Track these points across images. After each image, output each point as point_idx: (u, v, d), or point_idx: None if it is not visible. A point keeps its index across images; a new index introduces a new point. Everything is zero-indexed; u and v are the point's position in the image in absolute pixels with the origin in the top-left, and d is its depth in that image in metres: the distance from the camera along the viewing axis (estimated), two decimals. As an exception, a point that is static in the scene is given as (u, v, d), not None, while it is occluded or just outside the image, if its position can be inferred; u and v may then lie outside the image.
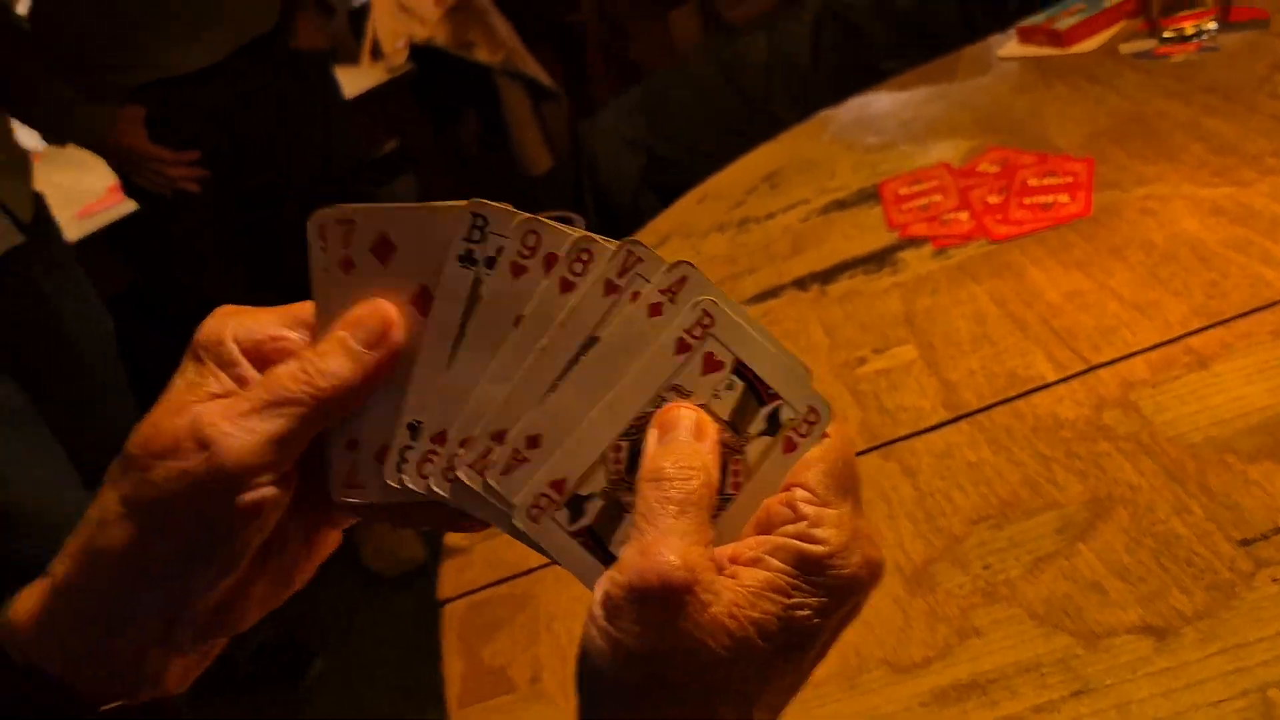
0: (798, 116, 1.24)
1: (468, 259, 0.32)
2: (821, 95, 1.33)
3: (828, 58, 1.35)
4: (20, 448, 1.08)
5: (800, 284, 0.83)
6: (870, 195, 0.91)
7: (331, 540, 0.35)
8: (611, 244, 0.32)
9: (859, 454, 0.50)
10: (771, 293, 0.83)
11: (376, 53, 2.54)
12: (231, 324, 0.32)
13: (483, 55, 2.38)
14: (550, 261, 0.32)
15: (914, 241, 0.82)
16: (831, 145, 1.05)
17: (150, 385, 0.35)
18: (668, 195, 1.27)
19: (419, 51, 2.36)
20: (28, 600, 0.32)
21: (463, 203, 0.32)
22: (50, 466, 1.10)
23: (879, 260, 0.82)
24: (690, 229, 1.00)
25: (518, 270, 0.32)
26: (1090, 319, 0.65)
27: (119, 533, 0.30)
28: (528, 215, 0.32)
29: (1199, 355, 0.59)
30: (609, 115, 1.37)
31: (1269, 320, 0.59)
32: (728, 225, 0.97)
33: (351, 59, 2.56)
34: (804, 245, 0.88)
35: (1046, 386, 0.61)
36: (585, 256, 0.32)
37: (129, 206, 1.62)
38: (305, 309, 0.33)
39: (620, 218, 1.25)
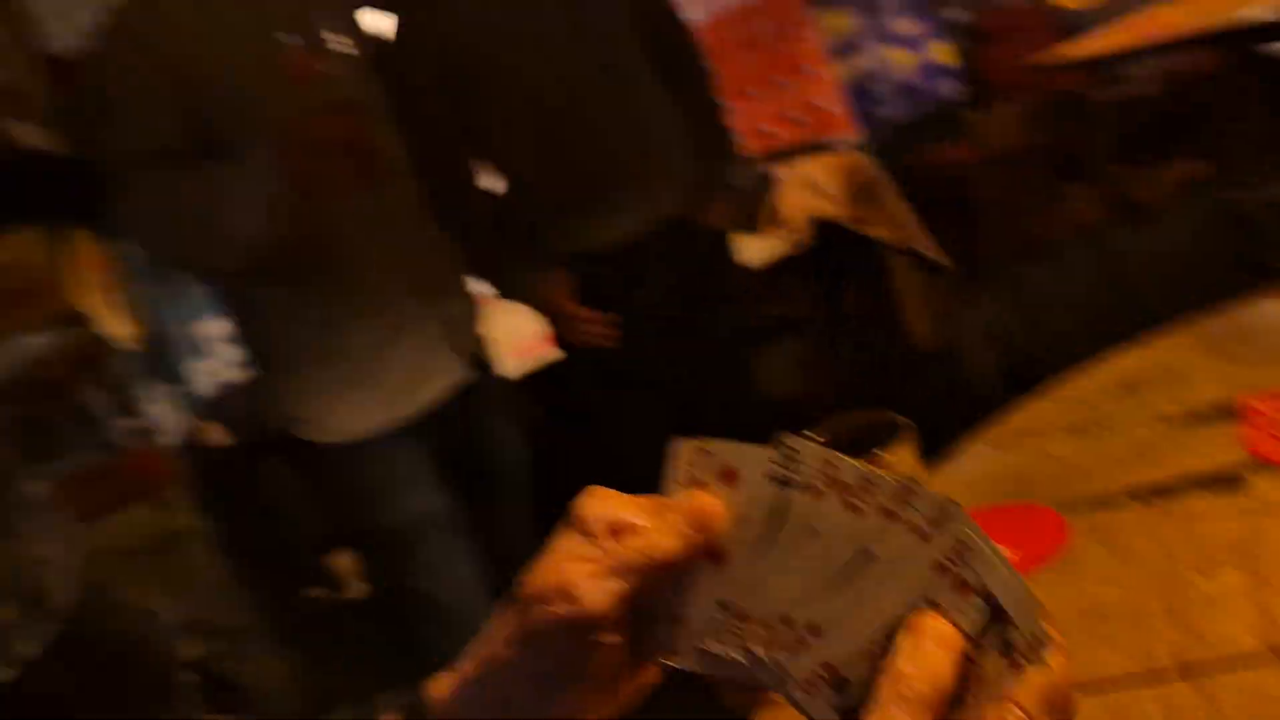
0: (1172, 315, 1.23)
1: (780, 480, 0.42)
2: (1202, 295, 1.30)
3: (1214, 252, 1.32)
4: (453, 552, 1.34)
5: (1139, 496, 0.84)
6: (1229, 411, 0.91)
7: (648, 676, 0.46)
8: (891, 478, 0.41)
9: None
10: (1106, 501, 0.85)
11: (778, 223, 2.78)
12: (598, 505, 0.44)
13: (881, 233, 2.51)
14: (843, 489, 0.41)
15: (1270, 466, 0.81)
16: (1197, 353, 1.04)
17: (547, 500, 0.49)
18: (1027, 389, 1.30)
19: (818, 224, 2.55)
20: (442, 684, 0.46)
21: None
22: (470, 571, 1.35)
23: (1229, 482, 0.81)
24: (1037, 429, 1.03)
25: (816, 493, 0.42)
26: None
27: (508, 651, 0.43)
28: (825, 449, 0.42)
29: None
30: (975, 305, 1.41)
31: None
32: (1077, 428, 1.00)
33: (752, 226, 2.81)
34: (1153, 457, 0.89)
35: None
36: (869, 486, 0.41)
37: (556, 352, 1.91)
38: (655, 500, 0.45)
39: (976, 406, 1.29)
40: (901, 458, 0.75)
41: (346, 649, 2.60)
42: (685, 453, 0.45)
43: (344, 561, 2.53)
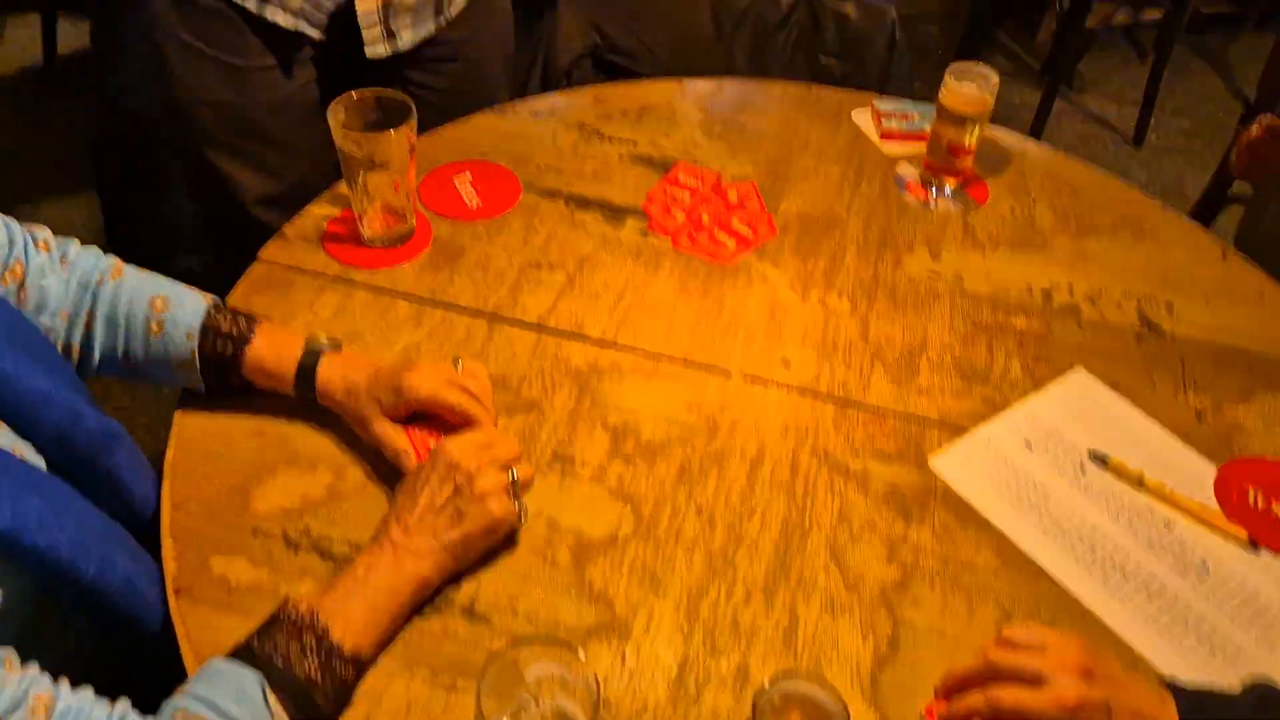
0: (745, 67, 1.61)
1: None
2: (773, 59, 1.69)
3: (790, 33, 1.68)
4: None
5: (578, 202, 1.27)
6: (662, 166, 1.33)
7: None
8: None
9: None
10: (554, 194, 1.28)
11: None
12: (458, 449, 0.87)
13: None
14: None
15: (645, 215, 1.26)
16: (691, 109, 1.44)
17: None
18: (606, 74, 1.65)
19: None
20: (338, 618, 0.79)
21: None
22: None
23: (619, 215, 1.26)
24: (550, 123, 1.41)
25: None
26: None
27: (423, 574, 0.84)
28: None
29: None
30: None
31: (720, 377, 1.06)
32: (585, 129, 1.39)
33: None
34: (604, 174, 1.31)
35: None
36: None
37: None
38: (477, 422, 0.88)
39: (554, 78, 1.61)
40: (408, 133, 1.10)
41: None
42: None
43: None
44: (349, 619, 0.78)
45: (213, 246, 1.46)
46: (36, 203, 2.38)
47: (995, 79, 1.26)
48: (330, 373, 0.95)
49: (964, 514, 0.98)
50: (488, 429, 0.92)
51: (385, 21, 1.34)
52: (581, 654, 0.74)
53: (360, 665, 0.79)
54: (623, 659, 0.84)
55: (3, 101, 2.73)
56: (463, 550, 0.85)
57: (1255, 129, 1.52)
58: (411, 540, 0.83)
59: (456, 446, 0.87)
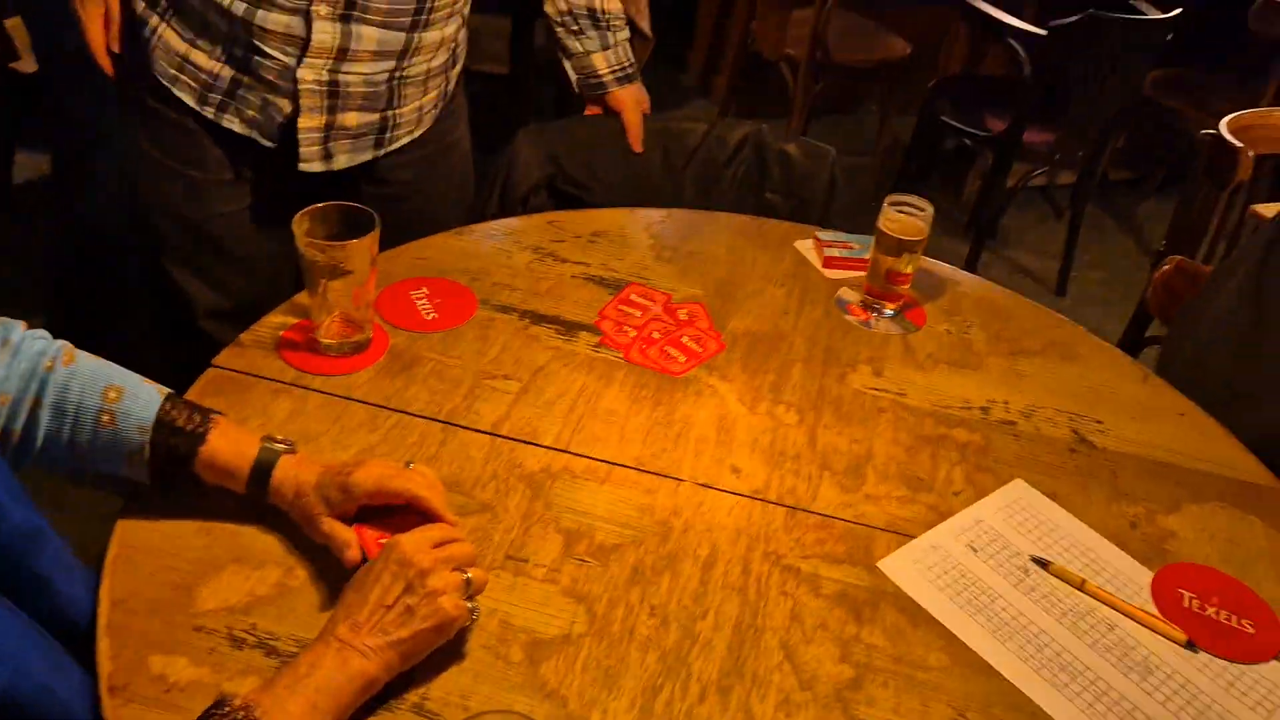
0: (693, 201, 1.70)
1: None
2: (720, 195, 1.78)
3: (736, 171, 1.78)
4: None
5: (533, 317, 1.31)
6: (614, 286, 1.38)
7: None
8: None
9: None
10: (509, 309, 1.31)
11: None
12: (413, 548, 0.86)
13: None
14: None
15: (598, 331, 1.30)
16: (641, 235, 1.51)
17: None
18: (561, 203, 1.72)
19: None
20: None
21: None
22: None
23: (572, 329, 1.30)
24: (505, 244, 1.46)
25: None
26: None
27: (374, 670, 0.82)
28: None
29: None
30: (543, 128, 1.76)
31: (672, 482, 1.08)
32: (540, 251, 1.44)
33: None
34: (558, 292, 1.36)
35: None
36: None
37: None
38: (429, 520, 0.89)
39: (511, 205, 1.68)
40: (371, 243, 1.13)
41: None
42: None
43: None
44: (287, 717, 0.75)
45: (163, 360, 1.46)
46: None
47: (930, 210, 1.35)
48: (284, 473, 0.94)
49: (914, 614, 0.99)
50: (442, 528, 0.91)
51: (325, 142, 1.40)
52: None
53: None
54: (576, 758, 0.82)
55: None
56: (411, 649, 0.83)
57: (1167, 267, 1.63)
58: (359, 638, 0.81)
59: (410, 543, 0.86)
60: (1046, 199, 3.78)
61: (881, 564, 1.03)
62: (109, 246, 1.62)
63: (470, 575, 0.87)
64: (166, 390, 0.96)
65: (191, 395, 1.11)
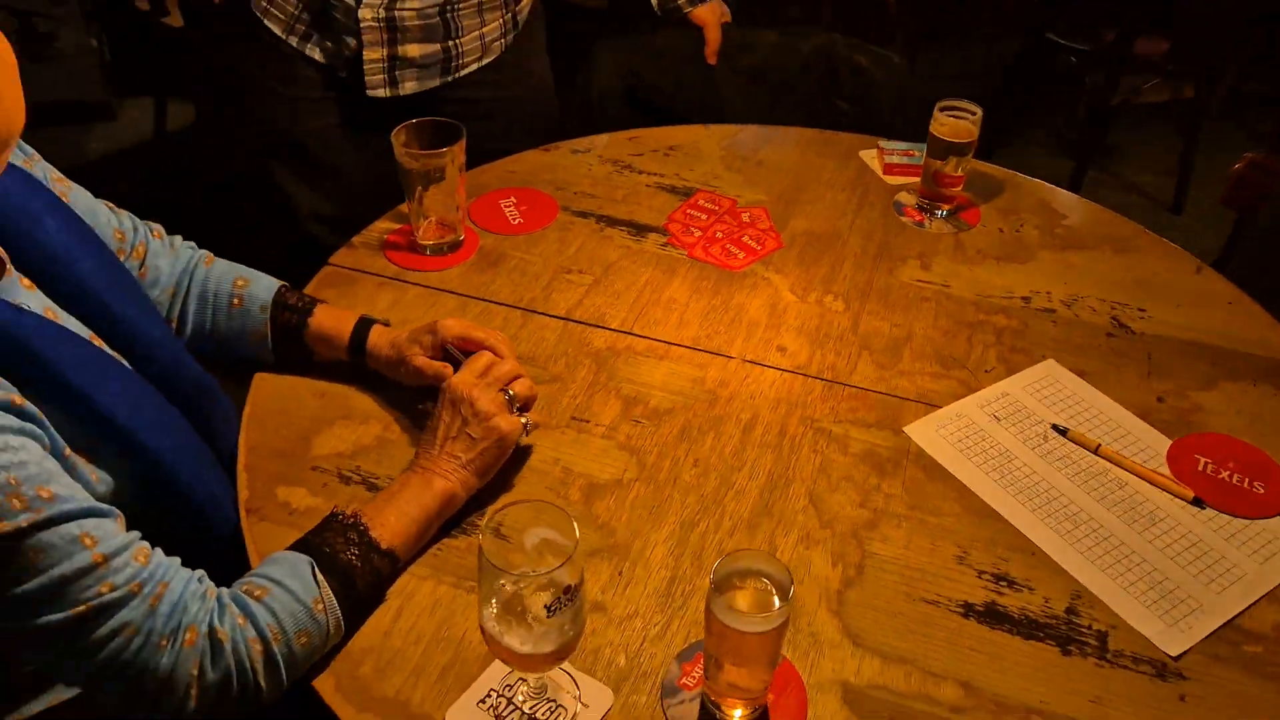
0: (766, 111, 1.79)
1: None
2: (794, 104, 1.87)
3: (809, 79, 1.87)
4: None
5: (608, 221, 1.45)
6: (684, 193, 1.50)
7: None
8: None
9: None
10: (587, 214, 1.45)
11: None
12: (465, 382, 1.02)
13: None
14: None
15: (666, 232, 1.42)
16: (715, 147, 1.62)
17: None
18: (640, 112, 1.84)
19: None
20: (384, 526, 0.94)
21: None
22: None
23: (643, 231, 1.43)
24: (587, 158, 1.60)
25: None
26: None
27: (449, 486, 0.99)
28: None
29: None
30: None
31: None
32: (618, 164, 1.57)
33: None
34: (632, 199, 1.49)
35: (622, 330, 1.24)
36: None
37: None
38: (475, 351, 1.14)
39: (590, 113, 1.81)
40: (458, 152, 1.29)
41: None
42: None
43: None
44: (385, 522, 0.93)
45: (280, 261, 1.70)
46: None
47: (979, 113, 1.42)
48: (379, 337, 1.12)
49: (933, 472, 1.10)
50: (486, 356, 1.06)
51: (389, 71, 1.58)
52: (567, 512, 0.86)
53: (394, 561, 0.93)
54: (620, 574, 0.97)
55: (123, 171, 3.06)
56: (481, 465, 1.00)
57: (1241, 164, 1.64)
58: (436, 464, 0.98)
59: (459, 380, 1.03)
60: (1168, 116, 3.67)
61: (908, 428, 1.14)
62: (229, 162, 1.92)
63: (513, 391, 1.04)
64: (282, 282, 1.16)
65: (309, 288, 1.30)
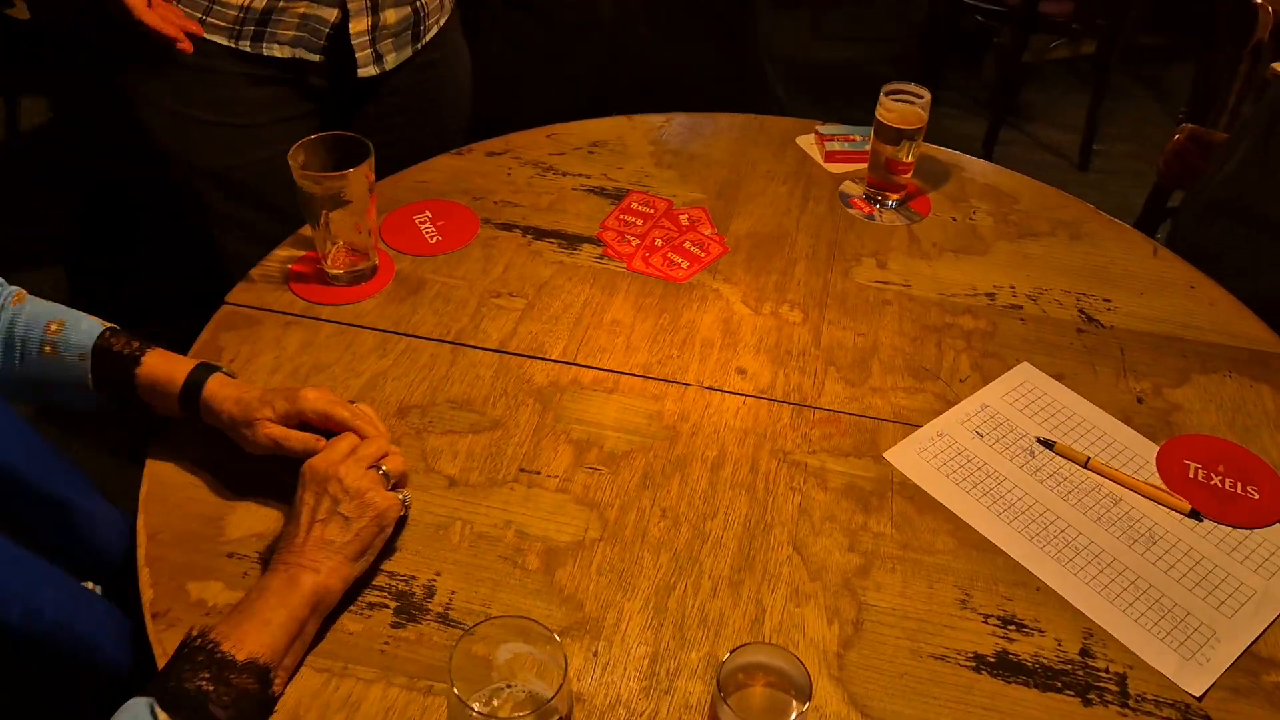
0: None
1: None
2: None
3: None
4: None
5: (535, 233, 1.32)
6: (615, 196, 1.38)
7: None
8: None
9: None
10: (511, 226, 1.32)
11: None
12: (333, 461, 0.88)
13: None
14: None
15: (601, 242, 1.30)
16: (641, 141, 1.50)
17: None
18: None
19: None
20: (247, 639, 0.77)
21: None
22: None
23: (575, 243, 1.30)
24: (505, 160, 1.46)
25: None
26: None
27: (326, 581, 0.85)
28: None
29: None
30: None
31: (679, 387, 1.10)
32: (540, 166, 1.44)
33: None
34: (559, 206, 1.36)
35: (565, 360, 1.12)
36: None
37: None
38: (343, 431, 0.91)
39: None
40: (366, 171, 1.14)
41: None
42: None
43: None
44: (243, 635, 0.79)
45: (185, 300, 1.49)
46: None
47: (928, 96, 1.33)
48: (219, 388, 0.97)
49: (921, 502, 1.01)
50: (348, 438, 0.93)
51: (373, 44, 1.40)
52: (552, 634, 0.76)
53: (263, 673, 0.78)
54: (595, 655, 0.86)
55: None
56: (357, 548, 0.87)
57: (1178, 137, 1.59)
58: (303, 556, 0.84)
59: (320, 461, 0.89)
60: (1071, 72, 3.68)
61: (888, 454, 1.05)
62: (123, 198, 1.63)
63: (385, 468, 0.91)
64: (109, 324, 1.00)
65: (206, 333, 1.14)
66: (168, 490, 0.98)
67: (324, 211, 1.15)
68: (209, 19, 1.31)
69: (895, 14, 3.65)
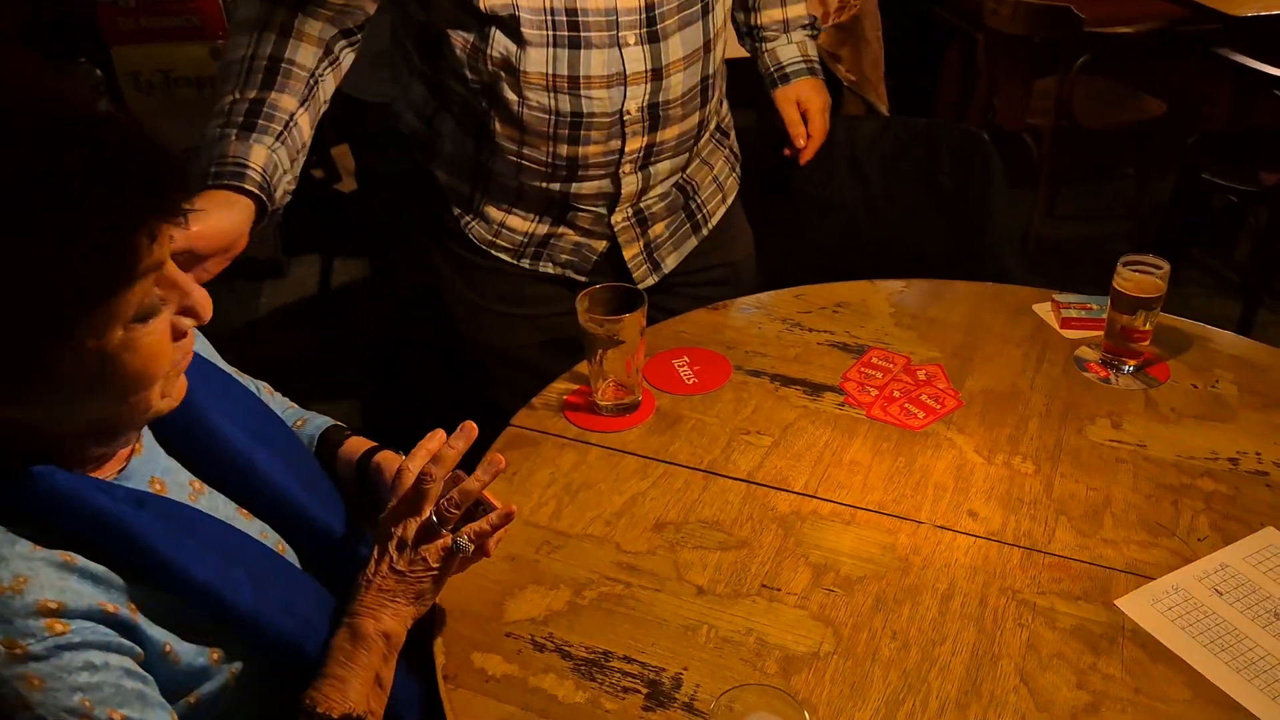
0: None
1: None
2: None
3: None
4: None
5: (782, 380, 1.45)
6: (856, 351, 1.50)
7: None
8: None
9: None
10: (760, 373, 1.46)
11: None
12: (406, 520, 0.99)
13: (840, 71, 2.89)
14: None
15: (842, 391, 1.42)
16: (883, 304, 1.62)
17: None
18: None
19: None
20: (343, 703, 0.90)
21: None
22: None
23: (818, 390, 1.42)
24: (756, 316, 1.62)
25: None
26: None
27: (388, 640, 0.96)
28: None
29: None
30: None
31: (912, 524, 1.18)
32: (788, 322, 1.58)
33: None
34: (805, 358, 1.49)
35: (805, 493, 1.23)
36: None
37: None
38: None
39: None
40: (640, 317, 1.32)
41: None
42: None
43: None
44: (327, 696, 0.91)
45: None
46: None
47: (1167, 267, 1.38)
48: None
49: (1154, 650, 1.03)
50: (406, 478, 1.00)
51: (649, 259, 1.62)
52: (800, 706, 0.84)
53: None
54: (826, 756, 0.93)
55: (291, 324, 3.25)
56: (413, 593, 0.97)
57: None
58: (362, 604, 0.96)
59: (386, 514, 1.00)
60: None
61: (1119, 602, 1.08)
62: (410, 350, 1.90)
63: (444, 511, 0.98)
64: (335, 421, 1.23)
65: (492, 450, 1.33)
66: (458, 578, 1.14)
67: (600, 351, 1.34)
68: (498, 241, 1.56)
69: (1136, 193, 3.64)
